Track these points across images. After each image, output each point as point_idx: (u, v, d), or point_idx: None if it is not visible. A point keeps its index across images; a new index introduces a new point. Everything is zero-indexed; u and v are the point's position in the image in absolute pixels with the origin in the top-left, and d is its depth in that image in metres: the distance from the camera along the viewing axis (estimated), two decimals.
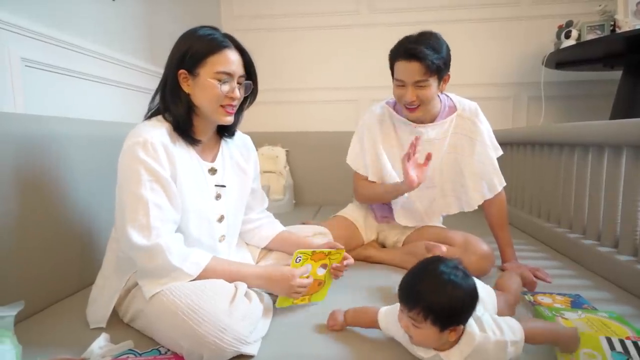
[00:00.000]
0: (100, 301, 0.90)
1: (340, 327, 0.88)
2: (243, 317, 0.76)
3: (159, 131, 0.85)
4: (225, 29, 3.06)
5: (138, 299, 0.85)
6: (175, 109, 0.87)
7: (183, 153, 0.89)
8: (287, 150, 2.56)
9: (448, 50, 1.21)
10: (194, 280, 0.81)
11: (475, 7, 2.52)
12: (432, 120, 1.33)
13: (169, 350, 0.79)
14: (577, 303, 1.01)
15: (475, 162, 1.30)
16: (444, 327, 0.68)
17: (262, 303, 0.86)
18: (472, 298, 0.69)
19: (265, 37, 2.69)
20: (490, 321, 0.73)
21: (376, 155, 1.38)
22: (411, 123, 1.33)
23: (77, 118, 1.27)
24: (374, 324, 0.83)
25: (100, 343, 0.78)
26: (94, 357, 0.75)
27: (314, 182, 2.59)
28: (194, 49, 0.86)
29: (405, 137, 1.35)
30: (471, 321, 0.71)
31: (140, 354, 0.78)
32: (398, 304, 0.81)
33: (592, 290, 1.14)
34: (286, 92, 2.69)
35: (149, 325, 0.83)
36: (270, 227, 1.15)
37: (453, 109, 1.34)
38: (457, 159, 1.33)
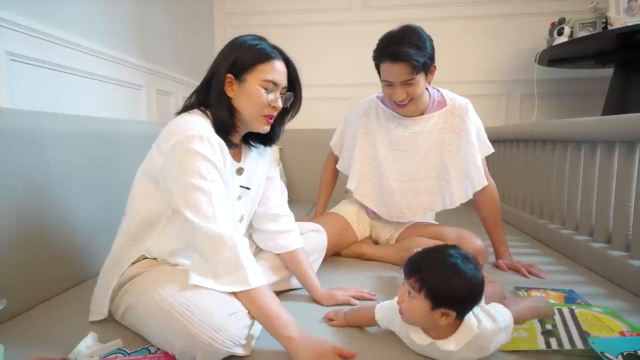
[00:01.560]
0: (99, 293, 0.89)
1: (340, 322, 0.88)
2: (238, 318, 0.75)
3: (208, 126, 0.84)
4: (218, 26, 3.04)
5: (130, 294, 0.83)
6: (220, 111, 0.87)
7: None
8: (280, 148, 2.54)
9: (431, 43, 1.20)
10: (239, 294, 0.76)
11: (469, 5, 2.52)
12: (421, 114, 1.33)
13: (159, 349, 0.77)
14: (570, 298, 1.01)
15: (460, 160, 1.30)
16: (435, 305, 0.67)
17: None
18: (474, 291, 0.69)
19: (258, 34, 2.66)
20: (480, 311, 0.73)
21: (351, 148, 1.45)
22: (399, 115, 1.34)
23: (63, 113, 1.25)
24: (371, 322, 0.84)
25: (88, 342, 0.76)
26: (80, 356, 0.73)
27: (307, 179, 2.57)
28: (244, 56, 0.87)
29: (391, 129, 1.35)
30: (469, 314, 0.71)
31: (129, 354, 0.76)
32: (394, 299, 0.80)
33: (586, 286, 1.14)
34: None
35: (140, 323, 0.81)
36: (289, 240, 1.07)
37: (442, 104, 1.33)
38: (443, 154, 1.32)
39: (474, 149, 1.29)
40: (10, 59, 1.15)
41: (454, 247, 0.73)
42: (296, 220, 1.27)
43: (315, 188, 2.63)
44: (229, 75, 0.87)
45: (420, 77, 1.19)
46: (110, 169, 1.24)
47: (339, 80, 2.69)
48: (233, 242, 0.77)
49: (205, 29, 2.66)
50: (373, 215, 1.49)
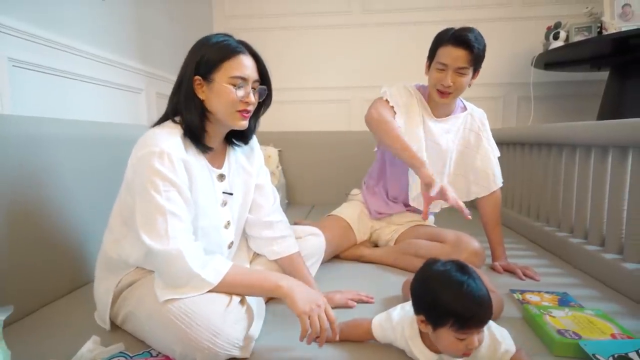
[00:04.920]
0: (100, 303, 0.90)
1: (329, 338, 0.84)
2: (236, 321, 0.76)
3: (174, 140, 0.83)
4: (217, 28, 3.05)
5: (129, 301, 0.85)
6: (189, 115, 0.86)
7: (195, 161, 0.88)
8: (279, 150, 2.55)
9: (485, 47, 1.27)
10: (212, 290, 0.78)
11: (466, 8, 2.54)
12: (447, 115, 1.41)
13: (160, 352, 0.79)
14: (564, 301, 1.03)
15: (480, 157, 1.40)
16: None
17: (255, 305, 0.86)
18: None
19: (257, 36, 2.67)
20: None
21: (414, 123, 1.35)
22: (431, 113, 1.39)
23: (66, 119, 1.26)
24: (367, 336, 0.83)
25: (90, 346, 0.77)
26: None
27: (306, 181, 2.59)
28: (208, 55, 0.85)
29: (426, 118, 1.38)
30: None
31: (131, 357, 0.78)
32: (390, 311, 0.81)
33: (579, 288, 1.16)
34: (279, 91, 2.63)
35: (141, 328, 0.82)
36: (284, 245, 1.07)
37: (464, 109, 1.44)
38: (465, 152, 1.42)
39: (494, 149, 1.42)
40: (13, 65, 1.16)
41: (466, 279, 0.68)
42: (295, 223, 1.28)
43: (315, 189, 2.65)
44: (196, 77, 0.85)
45: (470, 72, 1.26)
46: (112, 173, 1.24)
47: (337, 83, 2.70)
48: (179, 254, 0.76)
49: (204, 31, 2.65)
50: (374, 214, 1.51)
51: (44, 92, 1.31)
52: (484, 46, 1.26)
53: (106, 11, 1.62)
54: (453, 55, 1.23)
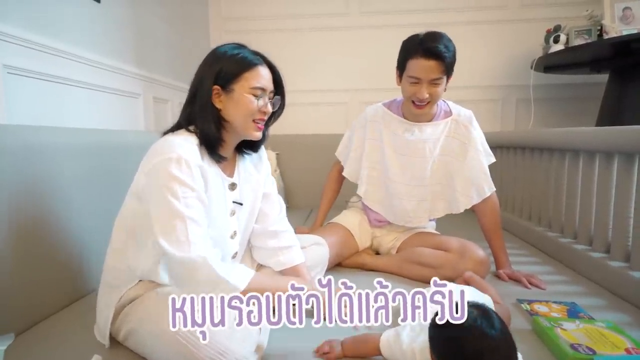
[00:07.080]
0: (100, 317, 0.88)
1: (335, 357, 0.82)
2: (243, 339, 0.74)
3: (191, 148, 0.83)
4: (214, 30, 3.01)
5: (132, 317, 0.82)
6: (207, 124, 0.86)
7: (210, 169, 0.87)
8: (277, 154, 2.53)
9: (455, 50, 1.24)
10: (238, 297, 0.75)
11: (464, 10, 2.53)
12: (428, 121, 1.35)
13: None
14: (573, 312, 1.01)
15: (466, 167, 1.32)
16: None
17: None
18: None
19: (254, 39, 2.63)
20: None
21: (359, 155, 1.46)
22: (407, 121, 1.35)
23: (63, 127, 1.23)
24: (375, 352, 0.81)
25: None
26: None
27: (305, 185, 2.57)
28: (227, 68, 0.86)
29: (399, 134, 1.37)
30: None
31: None
32: (399, 329, 0.79)
33: (586, 297, 1.15)
34: None
35: (143, 346, 0.80)
36: (290, 256, 1.06)
37: (449, 113, 1.36)
38: (449, 162, 1.35)
39: (482, 156, 1.33)
40: (7, 72, 1.13)
41: (483, 328, 0.63)
42: (297, 231, 1.26)
43: (313, 193, 2.60)
44: (215, 87, 0.86)
45: (444, 79, 1.23)
46: (112, 182, 1.22)
47: (335, 85, 2.68)
48: (204, 260, 0.76)
49: (201, 33, 2.63)
50: (374, 223, 1.49)
51: (40, 98, 1.27)
52: (454, 51, 1.22)
53: (102, 15, 1.59)
54: (425, 67, 1.19)
